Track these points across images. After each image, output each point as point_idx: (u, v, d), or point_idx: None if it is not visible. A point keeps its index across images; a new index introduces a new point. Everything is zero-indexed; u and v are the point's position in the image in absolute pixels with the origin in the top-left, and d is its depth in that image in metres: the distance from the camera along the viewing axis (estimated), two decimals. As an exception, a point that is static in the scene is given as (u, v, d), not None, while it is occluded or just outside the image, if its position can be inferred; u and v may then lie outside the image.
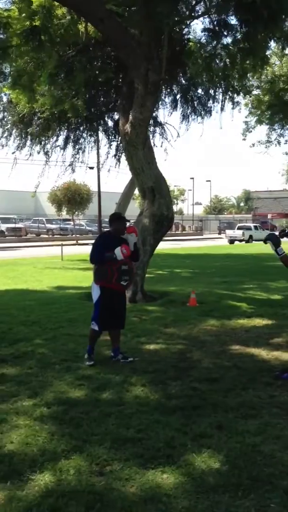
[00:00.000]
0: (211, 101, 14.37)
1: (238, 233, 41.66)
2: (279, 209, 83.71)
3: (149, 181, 10.84)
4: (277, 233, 5.58)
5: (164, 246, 31.48)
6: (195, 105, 14.43)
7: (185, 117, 14.19)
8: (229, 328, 7.63)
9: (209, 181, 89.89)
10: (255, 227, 44.36)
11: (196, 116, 14.32)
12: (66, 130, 15.79)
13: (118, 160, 18.69)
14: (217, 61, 13.00)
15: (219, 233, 60.54)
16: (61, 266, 18.15)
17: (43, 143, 15.29)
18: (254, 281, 13.24)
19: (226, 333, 7.33)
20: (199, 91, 14.41)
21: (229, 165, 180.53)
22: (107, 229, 6.20)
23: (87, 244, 35.00)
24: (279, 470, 3.24)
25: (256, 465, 3.32)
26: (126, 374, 5.35)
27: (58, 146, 16.15)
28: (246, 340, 6.87)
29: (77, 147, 16.28)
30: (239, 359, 5.91)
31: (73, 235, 40.20)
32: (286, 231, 5.70)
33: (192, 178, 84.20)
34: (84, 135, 16.31)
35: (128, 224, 6.28)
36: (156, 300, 10.18)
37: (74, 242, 36.16)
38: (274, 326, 7.68)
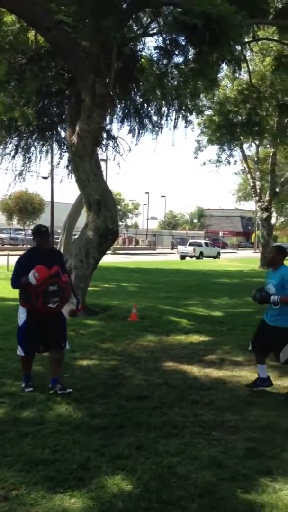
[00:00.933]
0: (164, 118, 14.52)
1: (189, 249, 42.13)
2: (231, 227, 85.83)
3: (95, 193, 10.75)
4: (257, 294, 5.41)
5: (115, 260, 31.43)
6: (147, 121, 14.53)
7: (135, 132, 14.23)
8: (166, 344, 7.59)
9: (164, 196, 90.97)
10: (206, 244, 45.06)
11: (146, 132, 14.40)
12: (16, 138, 15.48)
13: (70, 171, 18.50)
14: (170, 79, 13.21)
15: (172, 249, 61.06)
16: (5, 276, 17.65)
17: (-10, 151, 14.88)
18: (198, 297, 13.33)
19: (162, 349, 7.28)
20: (153, 107, 14.54)
21: (184, 181, 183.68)
22: (33, 246, 5.50)
23: (37, 255, 34.40)
24: (190, 493, 3.17)
25: (169, 488, 3.24)
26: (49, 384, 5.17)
27: (8, 154, 15.83)
28: (181, 356, 6.84)
29: (28, 155, 15.99)
30: (171, 376, 5.85)
31: (24, 245, 39.38)
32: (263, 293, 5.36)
33: (147, 193, 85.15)
34: (36, 144, 16.06)
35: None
36: (97, 314, 10.03)
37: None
38: (210, 343, 7.70)
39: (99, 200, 10.78)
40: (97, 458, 3.65)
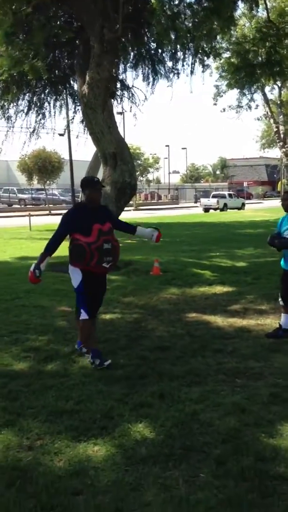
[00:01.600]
0: (180, 63, 13.89)
1: (212, 201, 41.51)
2: (255, 176, 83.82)
3: (110, 146, 10.51)
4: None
5: (138, 216, 31.25)
6: (162, 67, 13.94)
7: (150, 79, 13.69)
8: (189, 296, 7.54)
9: (185, 148, 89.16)
10: (230, 195, 44.26)
11: (161, 78, 13.84)
12: (28, 94, 15.13)
13: (85, 125, 18.06)
14: (183, 21, 12.54)
15: (195, 202, 60.31)
16: (27, 236, 17.78)
17: (4, 108, 14.62)
18: (222, 249, 13.15)
19: (185, 301, 7.23)
20: (167, 52, 13.91)
21: (205, 132, 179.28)
22: (81, 201, 4.94)
23: (60, 214, 34.55)
24: (214, 439, 3.16)
25: (192, 434, 3.23)
26: (76, 345, 5.20)
27: (22, 111, 15.53)
28: (204, 307, 6.79)
29: (41, 111, 15.66)
30: (194, 327, 5.82)
31: (46, 205, 39.53)
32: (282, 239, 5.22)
33: (168, 146, 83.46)
34: (49, 99, 15.68)
35: None
36: (119, 269, 10.01)
37: (47, 212, 35.57)
38: (234, 293, 7.61)
39: (114, 153, 10.55)
40: (120, 407, 3.66)
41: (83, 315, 4.65)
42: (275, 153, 63.61)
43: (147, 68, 13.07)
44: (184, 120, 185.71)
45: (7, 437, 3.24)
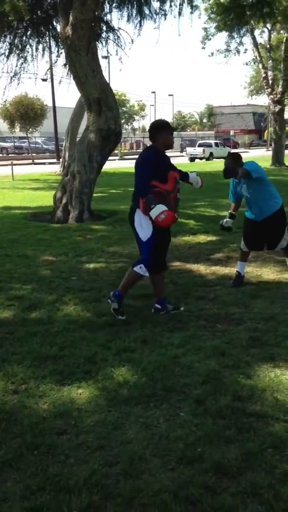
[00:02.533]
0: (167, 4, 13.29)
1: (198, 150, 40.97)
2: (242, 125, 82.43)
3: (94, 91, 10.20)
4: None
5: (123, 165, 30.82)
6: (148, 7, 13.31)
7: (136, 20, 13.09)
8: (173, 245, 7.51)
9: (172, 95, 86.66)
10: (216, 144, 43.68)
11: (148, 19, 13.25)
12: (9, 36, 14.41)
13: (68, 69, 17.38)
14: None
15: (181, 151, 59.43)
16: (10, 186, 17.49)
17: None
18: (206, 199, 13.12)
19: (169, 250, 7.24)
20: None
21: (192, 78, 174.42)
22: (151, 145, 4.49)
23: (43, 163, 33.85)
24: (194, 380, 3.27)
25: (173, 376, 3.34)
26: (60, 293, 5.26)
27: (3, 54, 14.85)
28: (187, 256, 6.84)
29: (23, 55, 14.99)
30: (177, 275, 5.88)
31: (29, 154, 38.63)
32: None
33: (154, 92, 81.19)
34: (31, 41, 14.98)
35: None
36: (104, 219, 9.98)
37: (30, 161, 34.83)
38: (218, 242, 7.66)
39: (99, 99, 10.26)
40: (103, 352, 3.75)
41: (143, 271, 4.43)
42: (263, 100, 62.46)
43: (133, 9, 12.49)
44: (171, 66, 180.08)
45: (-8, 382, 3.32)
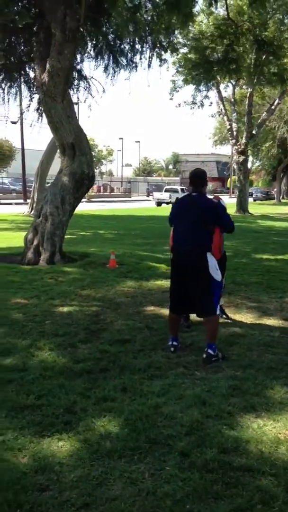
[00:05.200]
0: (138, 56, 13.87)
1: (165, 195, 41.83)
2: (206, 172, 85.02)
3: (68, 136, 10.37)
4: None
5: (91, 207, 31.05)
6: (121, 58, 13.84)
7: (109, 70, 13.56)
8: (146, 289, 7.59)
9: (138, 142, 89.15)
10: (182, 190, 44.67)
11: (120, 70, 13.74)
12: (-19, 80, 14.58)
13: (41, 114, 17.65)
14: (143, 13, 12.50)
15: (148, 196, 60.59)
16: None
17: None
18: (176, 243, 13.30)
19: (142, 294, 7.27)
20: (126, 44, 13.82)
21: (159, 127, 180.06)
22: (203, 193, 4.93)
23: (10, 203, 33.67)
24: (177, 431, 3.20)
25: (156, 427, 3.27)
26: (34, 338, 5.13)
27: (-26, 97, 14.97)
28: (161, 301, 6.84)
29: (-6, 99, 15.14)
30: (152, 320, 5.87)
31: (-4, 194, 38.41)
32: None
33: (121, 139, 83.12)
34: (3, 85, 15.22)
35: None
36: (75, 262, 9.92)
37: (-3, 201, 34.56)
38: (190, 287, 7.71)
39: (73, 144, 10.43)
40: (83, 401, 3.64)
41: (219, 311, 4.88)
42: (226, 150, 64.94)
43: (106, 59, 12.96)
44: (139, 114, 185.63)
45: None
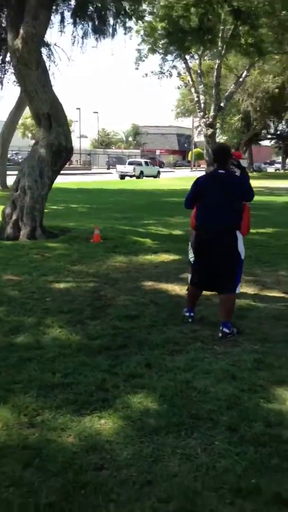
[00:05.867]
0: (102, 24, 13.42)
1: (129, 168, 41.43)
2: (167, 145, 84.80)
3: (44, 106, 9.98)
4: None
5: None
6: (88, 26, 13.36)
7: (77, 38, 13.07)
8: (138, 264, 7.51)
9: (97, 112, 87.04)
10: (146, 163, 44.42)
11: (89, 38, 13.26)
12: None
13: (0, 82, 17.04)
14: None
15: (108, 168, 59.81)
16: None
17: None
18: (153, 217, 13.25)
19: (136, 269, 7.20)
20: (91, 12, 13.31)
21: (118, 97, 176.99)
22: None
23: None
24: (217, 406, 3.20)
25: (194, 402, 3.25)
26: (39, 315, 4.99)
27: None
28: (157, 276, 6.80)
29: None
30: (154, 295, 5.82)
31: None
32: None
33: (79, 109, 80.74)
34: None
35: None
36: (57, 237, 9.69)
37: None
38: (182, 261, 7.66)
39: (49, 114, 10.05)
40: (111, 378, 3.58)
41: (239, 288, 4.85)
42: (187, 123, 64.69)
43: (71, 27, 12.49)
44: (97, 85, 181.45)
45: (2, 415, 3.04)
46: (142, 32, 22.74)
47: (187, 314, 4.92)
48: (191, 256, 5.51)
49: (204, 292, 5.30)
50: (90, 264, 7.41)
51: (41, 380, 3.52)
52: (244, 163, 5.62)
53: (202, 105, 24.64)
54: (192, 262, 5.10)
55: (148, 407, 3.19)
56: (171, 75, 24.83)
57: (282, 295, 5.95)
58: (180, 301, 5.57)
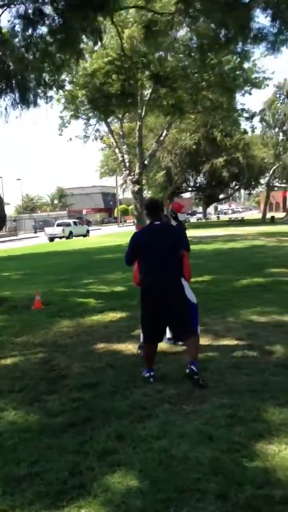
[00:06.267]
0: (28, 94, 13.68)
1: (58, 230, 41.17)
2: (92, 204, 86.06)
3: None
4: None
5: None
6: (11, 97, 13.54)
7: (1, 109, 13.18)
8: (86, 326, 7.26)
9: (19, 179, 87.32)
10: (74, 223, 44.45)
11: (12, 109, 13.39)
12: None
13: None
14: (34, 52, 12.37)
15: (35, 232, 59.26)
16: None
17: None
18: (91, 276, 13.07)
19: (85, 332, 6.94)
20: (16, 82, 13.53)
21: (42, 163, 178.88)
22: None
23: None
24: (201, 473, 3.00)
25: (177, 473, 3.04)
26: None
27: None
28: (108, 336, 6.58)
29: None
30: (110, 358, 5.59)
31: None
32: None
33: (1, 177, 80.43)
34: None
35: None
36: (-6, 307, 9.22)
37: None
38: (129, 318, 7.54)
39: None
40: (83, 459, 3.29)
41: (198, 330, 5.06)
42: (111, 182, 66.28)
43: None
44: (19, 151, 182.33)
45: None
46: (63, 100, 23.48)
47: (147, 374, 4.76)
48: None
49: (160, 346, 5.17)
50: (35, 333, 7.05)
51: (4, 474, 3.16)
52: (182, 216, 5.74)
53: (127, 164, 25.38)
54: (142, 319, 5.01)
55: (130, 486, 2.93)
56: (96, 139, 25.60)
57: (236, 342, 5.93)
58: (137, 361, 5.38)
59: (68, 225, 42.61)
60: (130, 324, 7.16)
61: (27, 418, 4.07)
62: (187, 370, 4.54)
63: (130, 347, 5.95)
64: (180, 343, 5.72)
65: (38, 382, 4.93)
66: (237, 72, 21.11)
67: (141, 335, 5.65)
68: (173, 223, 5.31)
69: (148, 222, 5.00)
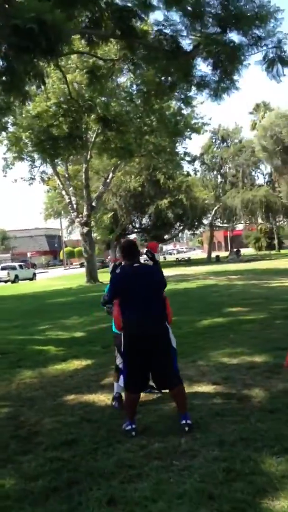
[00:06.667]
0: None
1: (2, 273, 39.94)
2: (37, 247, 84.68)
3: None
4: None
5: None
6: None
7: None
8: (51, 377, 6.85)
9: None
10: (20, 266, 43.37)
11: None
12: None
13: None
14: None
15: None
16: None
17: None
18: (46, 321, 12.58)
19: (50, 383, 6.52)
20: None
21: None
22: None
23: None
24: (211, 539, 2.76)
25: None
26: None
27: None
28: (76, 386, 6.21)
29: None
30: (83, 411, 5.23)
31: None
32: None
33: None
34: None
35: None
36: None
37: None
38: (96, 366, 7.21)
39: None
40: (76, 531, 2.95)
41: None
42: (56, 224, 65.84)
43: None
44: None
45: None
46: (6, 142, 23.30)
47: (129, 427, 4.47)
48: (119, 361, 5.16)
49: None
50: (-4, 385, 6.56)
51: None
52: (157, 256, 5.63)
53: (75, 206, 25.30)
54: (124, 366, 4.73)
55: None
56: (43, 180, 25.44)
57: (213, 387, 5.75)
58: (113, 412, 5.09)
59: (13, 268, 41.50)
60: (97, 372, 6.84)
61: (2, 482, 3.66)
62: (186, 428, 4.32)
63: (103, 398, 5.63)
64: (156, 391, 5.49)
65: (8, 441, 4.51)
66: (178, 118, 21.95)
67: (115, 384, 5.38)
68: (149, 263, 5.17)
69: (123, 263, 4.85)
